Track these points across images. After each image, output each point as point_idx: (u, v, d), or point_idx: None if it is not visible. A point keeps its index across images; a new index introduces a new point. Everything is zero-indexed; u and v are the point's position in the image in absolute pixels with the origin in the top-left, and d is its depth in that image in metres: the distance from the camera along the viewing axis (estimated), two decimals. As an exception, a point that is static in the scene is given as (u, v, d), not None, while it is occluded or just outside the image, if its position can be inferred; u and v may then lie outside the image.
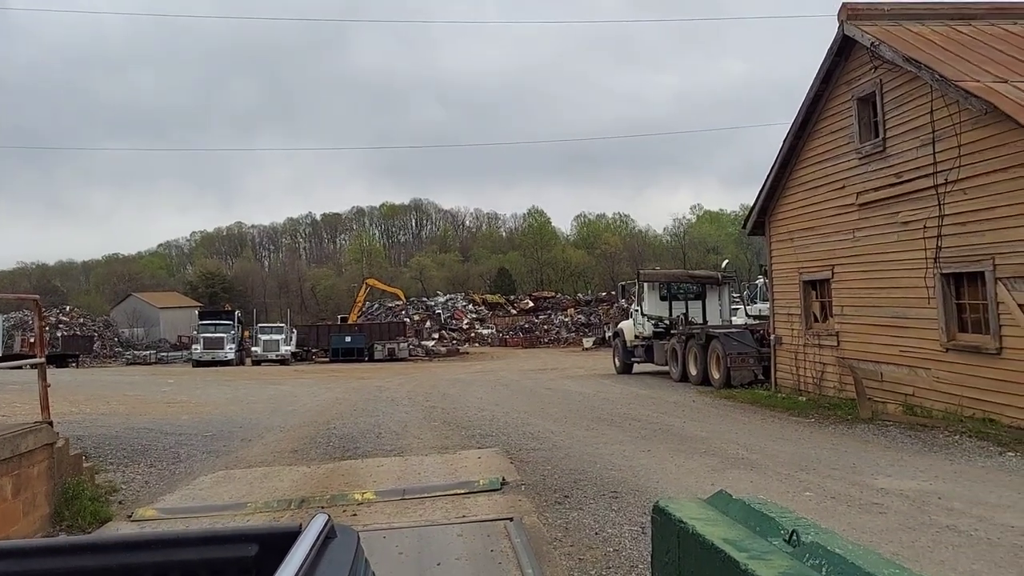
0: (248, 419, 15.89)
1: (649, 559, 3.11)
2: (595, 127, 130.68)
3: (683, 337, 22.19)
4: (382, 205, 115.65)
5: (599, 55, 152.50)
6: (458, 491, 8.50)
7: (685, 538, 2.28)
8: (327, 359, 49.47)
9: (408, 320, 62.65)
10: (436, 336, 62.13)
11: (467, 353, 55.31)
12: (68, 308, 72.35)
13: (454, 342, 61.04)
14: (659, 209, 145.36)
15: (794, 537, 2.01)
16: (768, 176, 18.31)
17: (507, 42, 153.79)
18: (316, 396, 21.67)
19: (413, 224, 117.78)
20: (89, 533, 7.29)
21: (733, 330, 21.29)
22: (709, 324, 23.90)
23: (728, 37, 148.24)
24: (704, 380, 20.40)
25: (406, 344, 51.76)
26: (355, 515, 7.64)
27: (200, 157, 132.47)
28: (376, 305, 66.38)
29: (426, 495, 8.42)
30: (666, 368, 23.37)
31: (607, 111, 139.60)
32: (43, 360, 8.05)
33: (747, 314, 27.43)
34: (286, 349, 48.71)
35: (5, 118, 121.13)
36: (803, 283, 17.30)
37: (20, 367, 11.78)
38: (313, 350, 52.07)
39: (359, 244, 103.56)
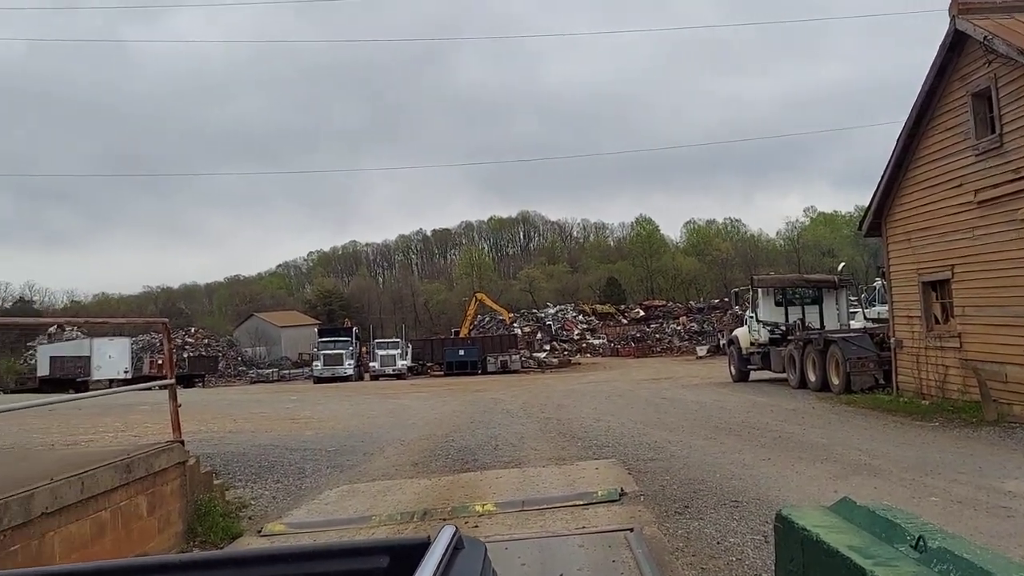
0: (369, 433, 16.33)
1: (773, 568, 3.03)
2: (696, 133, 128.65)
3: (800, 343, 21.65)
4: (490, 219, 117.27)
5: (695, 61, 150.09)
6: (577, 502, 8.46)
7: (810, 546, 2.27)
8: (442, 372, 50.40)
9: (519, 332, 63.12)
10: (547, 347, 62.32)
11: (579, 364, 55.19)
12: (193, 330, 76.39)
13: (565, 353, 61.04)
14: (771, 213, 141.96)
15: (921, 543, 1.99)
16: (882, 176, 17.72)
17: (604, 52, 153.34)
18: (433, 409, 22.08)
19: (521, 236, 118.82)
20: (221, 548, 7.61)
21: (852, 334, 20.63)
22: (827, 329, 23.22)
23: (826, 37, 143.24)
24: (823, 386, 19.81)
25: (518, 356, 52.17)
26: (476, 526, 7.71)
27: (311, 179, 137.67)
28: (487, 318, 67.23)
29: (545, 506, 8.41)
30: (783, 375, 22.82)
31: (707, 117, 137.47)
32: (173, 381, 8.39)
33: (865, 317, 26.42)
34: (402, 364, 49.94)
35: (124, 148, 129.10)
36: (922, 284, 16.65)
37: (150, 388, 12.49)
38: (428, 364, 53.18)
39: (469, 258, 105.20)
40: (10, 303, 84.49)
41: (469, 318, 63.89)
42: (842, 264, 34.48)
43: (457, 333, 61.04)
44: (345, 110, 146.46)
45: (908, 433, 12.64)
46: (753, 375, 25.41)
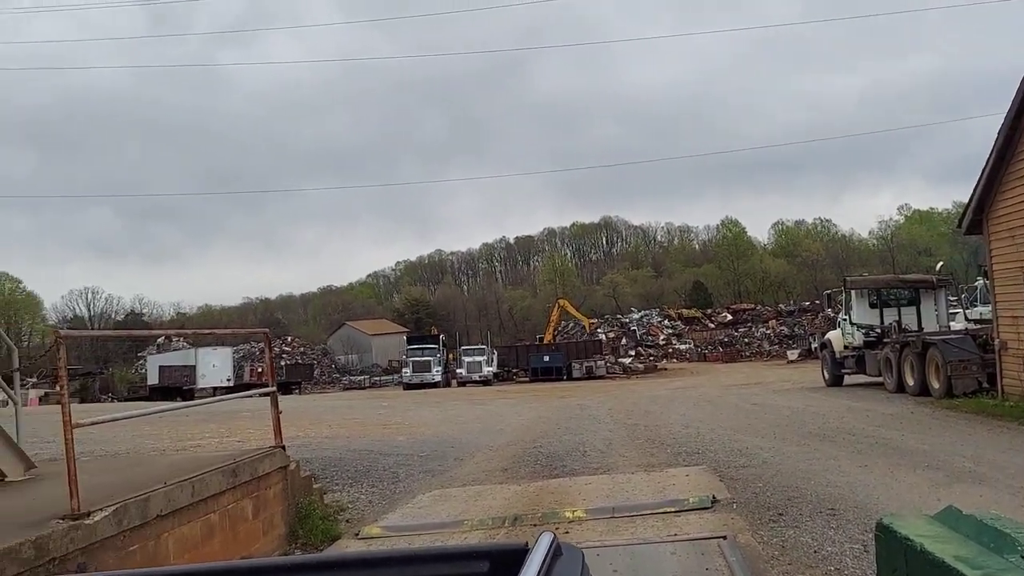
0: (458, 439, 16.55)
1: None
2: (780, 133, 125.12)
3: (897, 345, 20.95)
4: (572, 225, 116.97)
5: (776, 60, 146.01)
6: (668, 509, 8.41)
7: (913, 556, 2.23)
8: (527, 378, 50.61)
9: (603, 338, 62.79)
10: (632, 353, 61.82)
11: (665, 369, 54.55)
12: (290, 338, 78.75)
13: (651, 358, 60.44)
14: (862, 212, 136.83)
15: None
16: (983, 171, 17.00)
17: (682, 54, 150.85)
18: (520, 415, 22.20)
19: (604, 242, 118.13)
20: (321, 551, 7.85)
21: (952, 336, 19.83)
22: (925, 331, 22.42)
23: (910, 31, 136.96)
24: (922, 390, 19.07)
25: (603, 362, 51.95)
26: (567, 532, 7.75)
27: (396, 191, 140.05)
28: (571, 324, 67.11)
29: (636, 513, 8.38)
30: (879, 379, 22.10)
31: (791, 116, 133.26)
32: (275, 389, 8.74)
33: (966, 318, 25.20)
34: (488, 370, 50.37)
35: (222, 167, 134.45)
36: None
37: (251, 395, 13.03)
38: (513, 370, 53.48)
39: (552, 265, 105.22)
40: (122, 315, 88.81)
41: (552, 324, 63.94)
42: (940, 263, 33.20)
43: (541, 339, 61.18)
44: (428, 122, 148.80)
45: (1016, 439, 12.13)
46: (847, 379, 24.73)
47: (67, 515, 4.94)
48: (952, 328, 23.41)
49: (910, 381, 19.82)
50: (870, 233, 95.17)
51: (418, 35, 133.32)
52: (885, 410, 17.03)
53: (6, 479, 7.10)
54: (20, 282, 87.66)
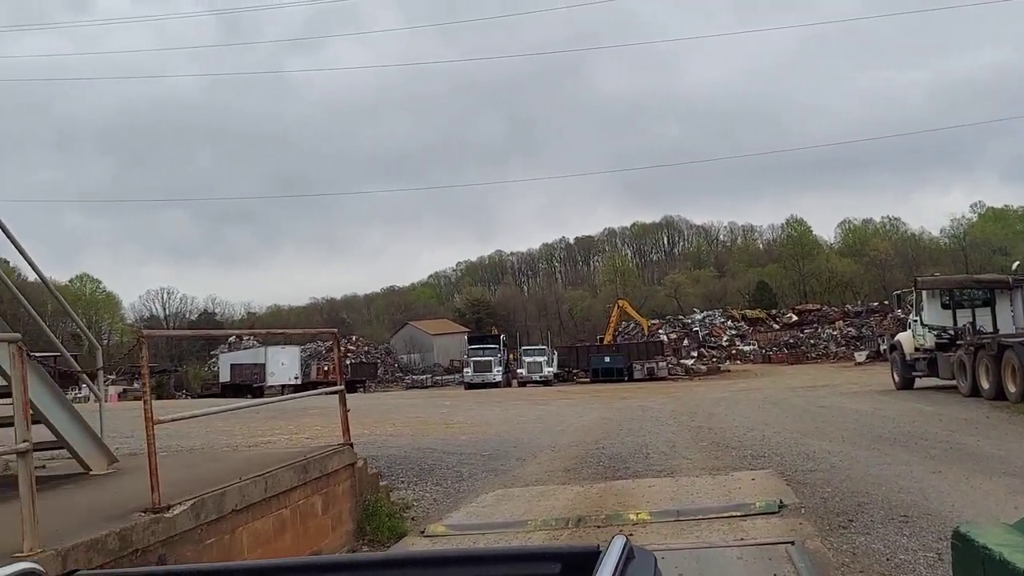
0: (520, 439, 16.61)
1: None
2: (844, 131, 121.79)
3: (971, 348, 20.24)
4: (632, 224, 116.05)
5: (839, 56, 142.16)
6: (734, 513, 8.33)
7: (992, 565, 2.18)
8: (587, 379, 50.42)
9: (665, 339, 62.14)
10: (695, 354, 61.03)
11: (728, 371, 53.77)
12: (354, 338, 79.85)
13: (714, 360, 59.61)
14: (933, 210, 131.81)
15: None
16: None
17: (742, 51, 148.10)
18: (581, 416, 22.16)
19: (665, 241, 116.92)
20: (388, 548, 7.97)
21: None
22: (1001, 332, 21.51)
23: (979, 23, 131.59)
24: (998, 394, 18.34)
25: (665, 363, 51.43)
26: (631, 535, 7.68)
27: (457, 192, 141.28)
28: (631, 325, 66.61)
29: (701, 517, 8.32)
30: (952, 382, 21.41)
31: (855, 113, 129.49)
32: (343, 387, 8.91)
33: None
34: (549, 370, 50.32)
35: (290, 171, 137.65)
36: None
37: (319, 393, 13.32)
38: (574, 371, 53.33)
39: (612, 265, 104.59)
40: (195, 315, 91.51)
41: (612, 325, 63.57)
42: (1016, 263, 31.84)
43: (602, 340, 60.88)
44: (487, 125, 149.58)
45: None
46: (918, 382, 24.04)
47: (148, 508, 5.11)
48: None
49: (985, 385, 19.15)
50: (941, 232, 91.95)
51: (477, 39, 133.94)
52: (959, 414, 16.53)
53: (91, 472, 7.38)
54: (100, 282, 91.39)
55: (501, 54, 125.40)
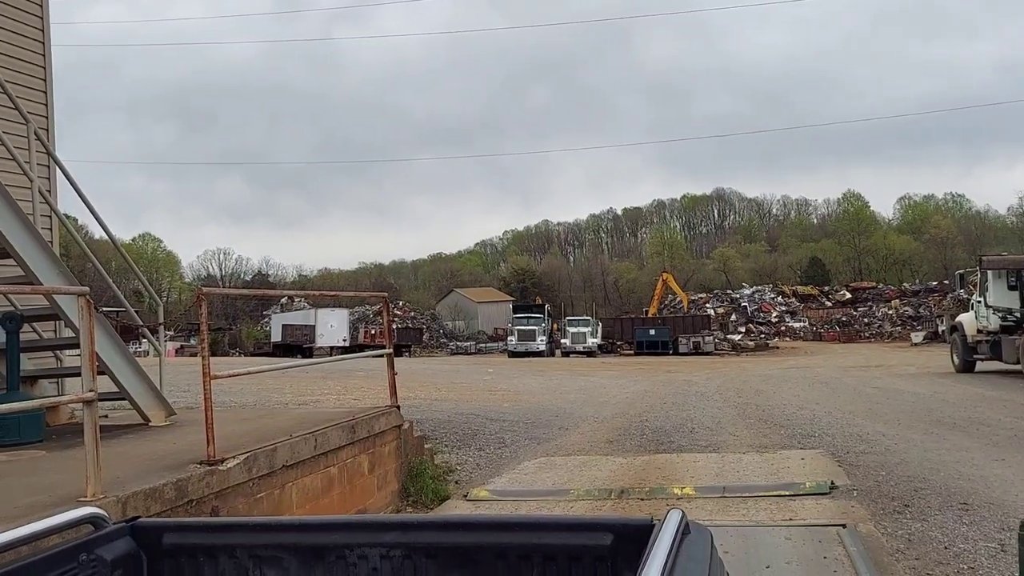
0: (563, 408, 16.59)
1: None
2: (905, 103, 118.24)
3: None
4: (682, 197, 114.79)
5: (898, 27, 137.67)
6: (782, 492, 8.15)
7: None
8: (631, 351, 50.22)
9: (712, 313, 61.51)
10: (742, 330, 60.31)
11: (777, 348, 53.10)
12: (401, 303, 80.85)
13: (762, 336, 58.88)
14: (999, 186, 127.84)
15: None
16: None
17: (798, 22, 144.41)
18: (625, 388, 22.06)
19: (715, 214, 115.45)
20: (431, 510, 8.03)
21: None
22: None
23: None
24: None
25: (711, 338, 50.97)
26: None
27: (504, 161, 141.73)
28: (678, 299, 66.08)
29: (748, 494, 8.16)
30: (1017, 367, 20.65)
31: (917, 86, 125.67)
32: (391, 351, 8.95)
33: None
34: (592, 341, 50.23)
35: (341, 138, 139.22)
36: None
37: (367, 356, 13.48)
38: (618, 343, 53.15)
39: (660, 237, 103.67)
40: (250, 276, 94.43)
41: (657, 298, 63.21)
42: None
43: (647, 312, 60.50)
44: (535, 94, 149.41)
45: None
46: (979, 366, 23.27)
47: (204, 461, 5.23)
48: None
49: None
50: (1009, 210, 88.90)
51: (525, 6, 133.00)
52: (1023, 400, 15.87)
53: (150, 424, 7.60)
54: (161, 242, 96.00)
55: (549, 22, 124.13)
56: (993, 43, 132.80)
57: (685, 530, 2.09)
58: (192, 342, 52.88)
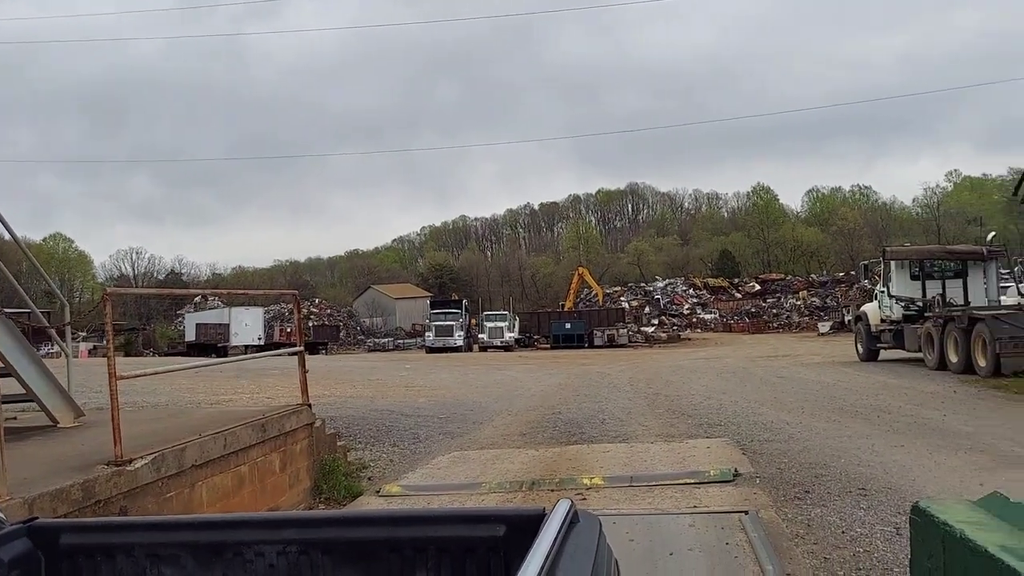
0: (478, 403, 16.68)
1: (907, 563, 2.89)
2: (811, 97, 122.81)
3: (940, 320, 20.08)
4: (598, 191, 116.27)
5: (806, 23, 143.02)
6: (688, 480, 8.37)
7: (952, 543, 2.13)
8: (548, 345, 50.73)
9: (626, 306, 62.64)
10: (656, 322, 61.63)
11: (688, 339, 54.37)
12: (317, 301, 79.71)
13: (675, 328, 60.23)
14: (905, 179, 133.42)
15: None
16: None
17: (706, 17, 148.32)
18: (540, 381, 22.28)
19: (629, 209, 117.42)
20: (344, 506, 8.01)
21: (1003, 311, 18.95)
22: (972, 305, 21.35)
23: None
24: (967, 368, 18.26)
25: (625, 330, 51.86)
26: (584, 499, 7.76)
27: (420, 157, 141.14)
28: (594, 292, 67.09)
29: (654, 483, 8.36)
30: (919, 355, 21.28)
31: (823, 81, 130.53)
32: (302, 349, 8.90)
33: (1020, 293, 23.96)
34: (510, 336, 50.52)
35: (254, 135, 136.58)
36: None
37: (280, 354, 13.29)
38: (535, 336, 53.60)
39: (576, 232, 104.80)
40: (163, 275, 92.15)
41: (573, 292, 63.99)
42: (992, 233, 31.42)
43: (563, 306, 61.21)
44: (449, 91, 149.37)
45: None
46: (883, 355, 23.94)
47: (111, 461, 5.21)
48: (1003, 303, 22.15)
49: (953, 358, 19.01)
50: (914, 201, 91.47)
51: (437, 2, 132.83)
52: (925, 388, 16.35)
53: (59, 425, 7.47)
54: (72, 241, 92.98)
55: (458, 17, 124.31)
56: (895, 38, 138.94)
57: (573, 519, 2.16)
58: (104, 343, 50.95)
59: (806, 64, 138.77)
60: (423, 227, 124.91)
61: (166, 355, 54.60)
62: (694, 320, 64.83)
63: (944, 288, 22.57)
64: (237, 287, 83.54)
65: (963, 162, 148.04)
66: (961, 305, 21.47)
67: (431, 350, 48.49)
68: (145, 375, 6.80)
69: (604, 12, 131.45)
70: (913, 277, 23.22)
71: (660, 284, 73.30)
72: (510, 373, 26.09)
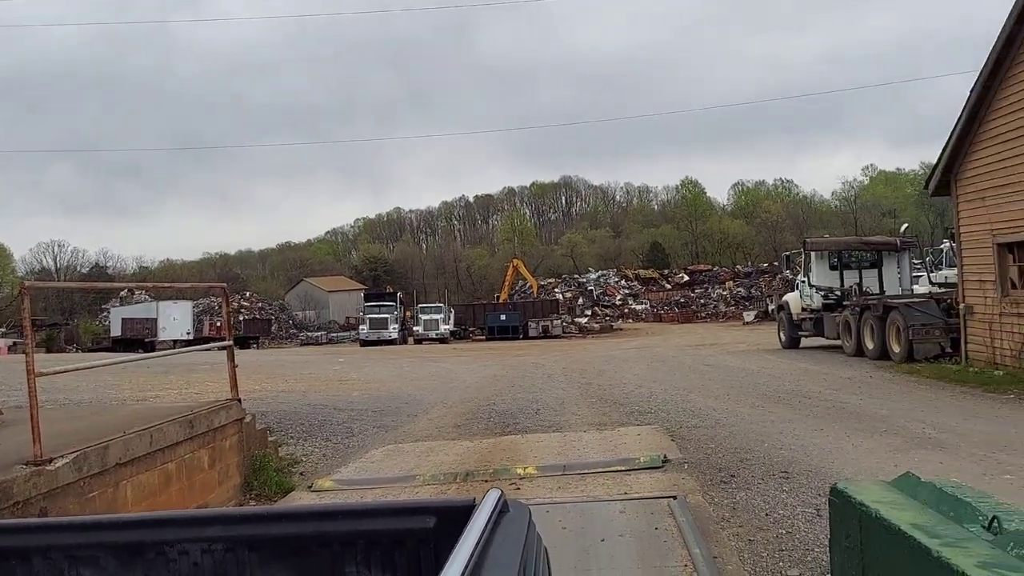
0: (413, 395, 16.61)
1: (827, 543, 3.00)
2: (737, 94, 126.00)
3: (857, 308, 20.89)
4: (532, 184, 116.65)
5: (729, 20, 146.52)
6: (619, 468, 8.52)
7: (868, 522, 2.19)
8: (484, 337, 50.73)
9: (560, 297, 63.10)
10: (589, 313, 62.29)
11: (621, 329, 55.06)
12: (248, 294, 78.00)
13: (607, 318, 60.96)
14: (824, 173, 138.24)
15: (995, 524, 1.89)
16: (953, 131, 16.67)
17: (634, 14, 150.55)
18: (475, 373, 22.30)
19: (563, 202, 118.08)
20: (275, 502, 7.91)
21: (915, 300, 19.77)
22: (887, 294, 22.28)
23: None
24: (882, 354, 19.03)
25: (559, 321, 52.24)
26: (518, 489, 7.84)
27: (353, 148, 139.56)
28: (528, 284, 67.45)
29: (587, 471, 8.49)
30: (837, 342, 22.12)
31: (748, 78, 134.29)
32: (231, 343, 8.76)
33: (931, 282, 25.10)
34: (445, 328, 50.31)
35: (182, 125, 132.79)
36: (997, 246, 15.68)
37: (210, 349, 12.96)
38: (470, 329, 53.53)
39: (511, 224, 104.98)
40: (87, 268, 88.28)
41: (508, 284, 64.14)
42: (905, 225, 32.84)
43: (498, 298, 61.31)
44: (381, 83, 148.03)
45: (979, 405, 12.01)
46: (804, 342, 24.72)
47: (30, 461, 5.04)
48: (916, 292, 23.22)
49: (869, 345, 19.79)
50: (833, 195, 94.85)
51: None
52: (842, 373, 16.95)
53: None
54: None
55: (389, 8, 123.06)
56: (817, 36, 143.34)
57: (503, 509, 2.19)
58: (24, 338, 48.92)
59: (733, 63, 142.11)
60: (357, 219, 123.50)
61: (90, 351, 52.67)
62: (626, 311, 65.73)
63: (861, 278, 23.55)
64: (165, 280, 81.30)
65: (878, 157, 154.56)
66: (877, 294, 22.30)
67: (365, 343, 47.97)
68: (67, 371, 6.60)
69: (538, 7, 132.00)
70: (832, 267, 24.09)
71: (593, 276, 74.05)
72: (445, 365, 26.04)
